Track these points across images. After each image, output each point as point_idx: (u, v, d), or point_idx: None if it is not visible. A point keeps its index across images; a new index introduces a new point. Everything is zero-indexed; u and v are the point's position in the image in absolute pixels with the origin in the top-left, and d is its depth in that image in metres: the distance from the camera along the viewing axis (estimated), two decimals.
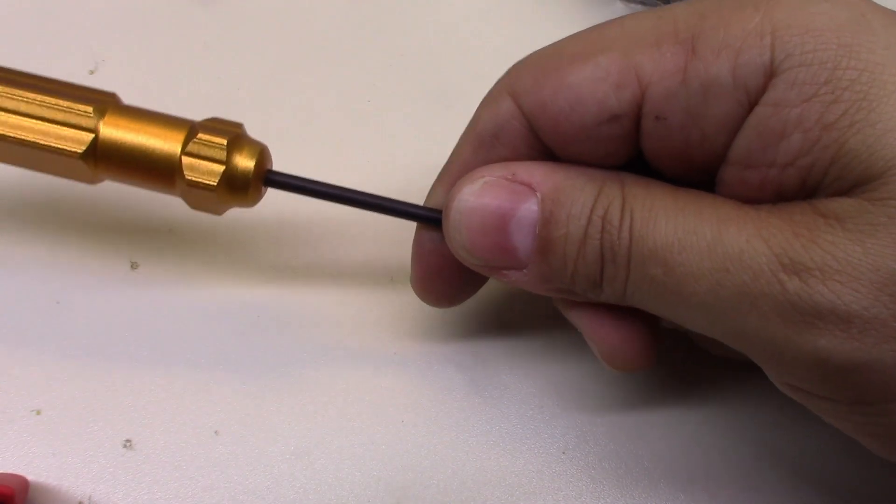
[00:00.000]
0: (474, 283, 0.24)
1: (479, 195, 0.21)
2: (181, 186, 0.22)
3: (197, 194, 0.22)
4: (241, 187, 0.22)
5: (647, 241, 0.19)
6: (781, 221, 0.18)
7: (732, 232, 0.18)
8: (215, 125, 0.22)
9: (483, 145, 0.21)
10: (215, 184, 0.22)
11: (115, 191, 0.30)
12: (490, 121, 0.21)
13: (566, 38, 0.21)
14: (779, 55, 0.18)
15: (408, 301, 0.27)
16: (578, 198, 0.20)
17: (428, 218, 0.23)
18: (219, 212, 0.23)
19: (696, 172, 0.20)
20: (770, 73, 0.18)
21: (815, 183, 0.18)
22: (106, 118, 0.22)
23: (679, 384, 0.26)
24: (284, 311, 0.27)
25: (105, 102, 0.22)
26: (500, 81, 0.21)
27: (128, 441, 0.25)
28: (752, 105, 0.18)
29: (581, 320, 0.22)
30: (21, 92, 0.22)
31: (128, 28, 0.31)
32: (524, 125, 0.21)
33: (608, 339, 0.22)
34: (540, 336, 0.27)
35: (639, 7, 0.34)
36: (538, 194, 0.20)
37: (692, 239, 0.18)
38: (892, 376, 0.17)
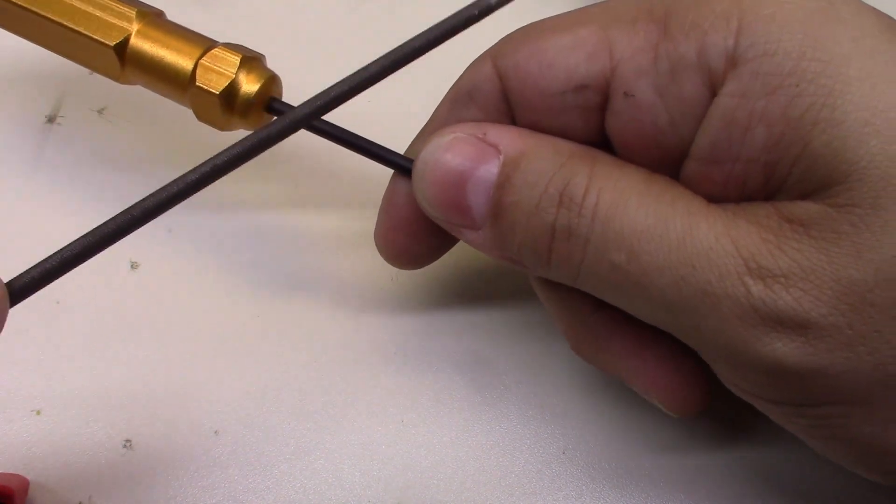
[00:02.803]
0: (437, 246, 0.24)
1: (444, 149, 0.21)
2: (191, 91, 0.24)
3: (203, 100, 0.24)
4: (244, 103, 0.24)
5: (613, 223, 0.18)
6: (748, 224, 0.18)
7: (703, 228, 0.18)
8: (236, 46, 0.24)
9: (458, 103, 0.22)
10: (219, 91, 0.23)
11: (114, 190, 0.30)
12: (468, 80, 0.21)
13: (556, 14, 0.21)
14: (743, 42, 0.17)
15: (409, 300, 0.27)
16: (539, 166, 0.19)
17: (402, 166, 0.22)
18: (221, 125, 0.24)
19: (662, 164, 0.19)
20: (733, 60, 0.18)
21: (779, 182, 0.18)
22: (144, 21, 0.24)
23: None
24: (284, 311, 0.27)
25: (149, 13, 0.25)
26: (488, 49, 0.21)
27: (127, 441, 0.25)
28: (714, 90, 0.18)
29: (635, 375, 0.22)
30: None
31: None
32: (498, 88, 0.21)
33: (670, 389, 0.21)
34: (540, 336, 0.27)
35: None
36: (501, 156, 0.20)
37: (662, 229, 0.18)
38: (840, 382, 0.17)
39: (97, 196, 0.29)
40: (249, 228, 0.29)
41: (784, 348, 0.17)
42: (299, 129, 0.20)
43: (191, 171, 0.19)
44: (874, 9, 0.18)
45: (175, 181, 0.19)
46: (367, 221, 0.29)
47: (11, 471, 0.24)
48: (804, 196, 0.18)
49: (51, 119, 0.32)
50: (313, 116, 0.20)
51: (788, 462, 0.25)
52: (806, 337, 0.17)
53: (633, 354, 0.22)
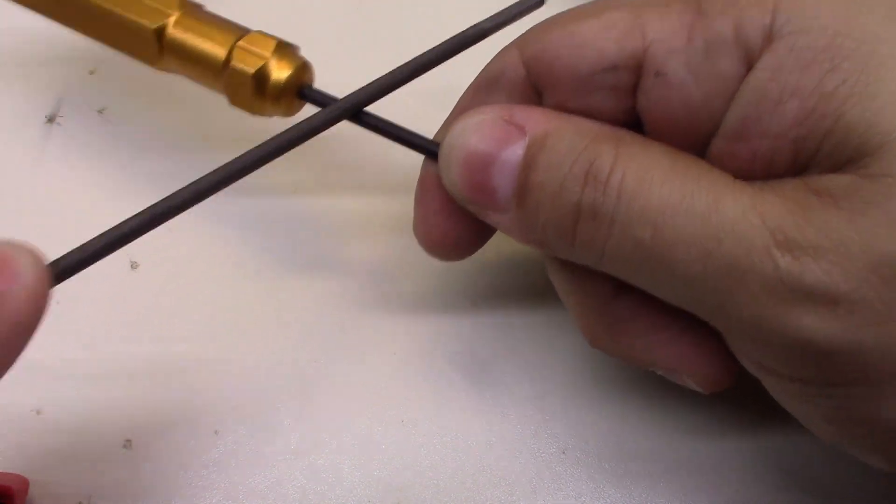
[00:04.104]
0: (479, 230, 0.23)
1: (471, 131, 0.20)
2: (225, 73, 0.24)
3: (236, 81, 0.24)
4: (276, 88, 0.24)
5: (638, 200, 0.18)
6: (776, 197, 0.18)
7: (728, 202, 0.18)
8: (272, 35, 0.24)
9: (481, 89, 0.22)
10: (252, 72, 0.23)
11: (115, 190, 0.30)
12: (493, 67, 0.22)
13: (584, 3, 0.21)
14: (780, 18, 0.18)
15: (408, 300, 0.27)
16: (563, 146, 0.19)
17: (429, 150, 0.22)
18: (253, 109, 0.24)
19: (691, 144, 0.19)
20: (770, 36, 0.18)
21: (807, 158, 0.18)
22: (184, 9, 0.25)
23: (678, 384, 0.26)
24: (283, 310, 0.27)
25: (187, 2, 0.25)
26: (514, 39, 0.22)
27: (128, 441, 0.25)
28: (750, 66, 0.18)
29: (660, 356, 0.21)
30: None
31: None
32: (522, 75, 0.21)
33: (698, 365, 0.21)
34: (540, 336, 0.27)
35: None
36: (527, 138, 0.20)
37: (688, 203, 0.18)
38: (869, 359, 0.17)
39: (98, 195, 0.30)
40: (249, 230, 0.29)
41: (812, 323, 0.17)
42: (342, 119, 0.21)
43: (236, 159, 0.20)
44: None
45: (231, 162, 0.20)
46: (364, 220, 0.29)
47: (11, 471, 0.24)
48: (834, 170, 0.17)
49: (51, 119, 0.32)
50: (355, 109, 0.21)
51: (790, 462, 0.25)
52: (836, 312, 0.17)
53: (657, 335, 0.21)
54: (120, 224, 0.19)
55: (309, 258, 0.28)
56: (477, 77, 0.22)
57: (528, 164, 0.20)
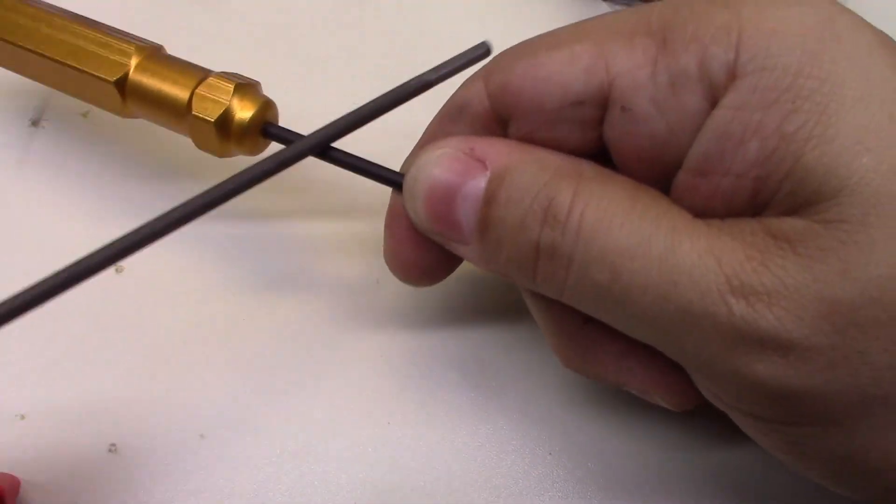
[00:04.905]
0: (447, 258, 0.23)
1: (433, 165, 0.21)
2: (189, 120, 0.24)
3: (199, 129, 0.24)
4: (239, 129, 0.24)
5: (597, 241, 0.18)
6: (733, 241, 0.18)
7: (685, 246, 0.18)
8: (230, 75, 0.25)
9: (447, 118, 0.22)
10: (213, 119, 0.24)
11: (99, 194, 0.30)
12: (459, 97, 0.22)
13: (550, 31, 0.21)
14: (743, 55, 0.17)
15: (393, 304, 0.27)
16: (524, 182, 0.19)
17: (395, 182, 0.22)
18: (219, 152, 0.25)
19: (656, 176, 0.19)
20: (733, 73, 0.18)
21: (767, 197, 0.18)
22: (142, 58, 0.25)
23: None
24: (270, 315, 0.27)
25: (145, 48, 0.26)
26: (481, 68, 0.22)
27: (113, 445, 0.25)
28: (714, 103, 0.18)
29: (630, 379, 0.22)
30: (80, 27, 0.26)
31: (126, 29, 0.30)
32: (486, 106, 0.21)
33: (667, 387, 0.21)
34: (527, 339, 0.27)
35: (623, 7, 0.34)
36: (488, 172, 0.20)
37: (646, 247, 0.18)
38: (820, 403, 0.17)
39: (82, 199, 0.29)
40: (235, 233, 0.29)
41: (765, 369, 0.17)
42: (308, 156, 0.22)
43: (195, 198, 0.20)
44: (870, 25, 0.18)
45: (178, 207, 0.20)
46: (354, 227, 0.29)
47: None
48: (792, 212, 0.17)
49: (35, 122, 0.32)
50: (321, 146, 0.22)
51: (771, 470, 0.25)
52: (787, 358, 0.17)
53: (625, 361, 0.21)
54: (70, 264, 0.19)
55: (294, 264, 0.28)
56: (444, 106, 0.22)
57: (488, 198, 0.20)
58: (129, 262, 0.28)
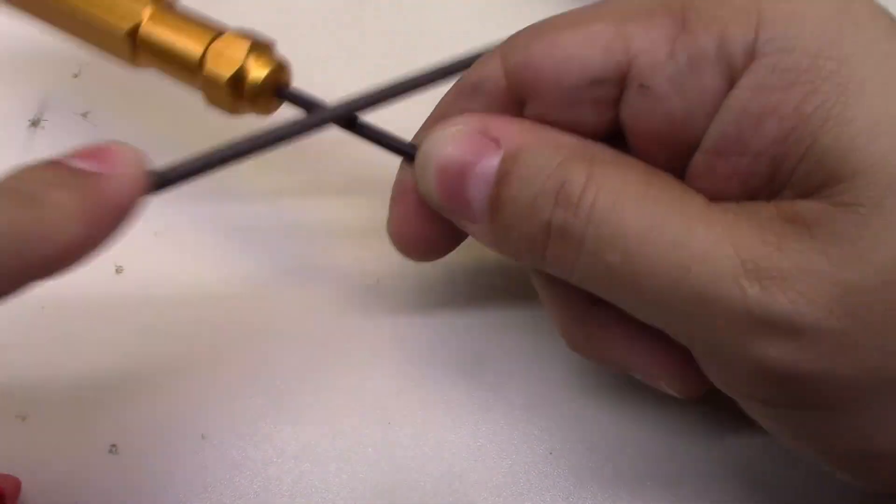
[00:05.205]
0: (451, 234, 0.23)
1: (447, 141, 0.21)
2: (201, 76, 0.24)
3: (212, 85, 0.24)
4: (252, 89, 0.24)
5: (608, 224, 0.18)
6: (750, 226, 0.18)
7: (700, 231, 0.18)
8: (246, 32, 0.24)
9: (463, 95, 0.22)
10: (227, 76, 0.23)
11: None
12: (475, 73, 0.21)
13: (567, 11, 0.21)
14: (763, 36, 0.18)
15: (394, 303, 0.27)
16: (537, 162, 0.19)
17: (407, 153, 0.22)
18: (231, 109, 0.24)
19: (673, 158, 0.19)
20: (752, 53, 0.18)
21: (784, 178, 0.18)
22: (156, 7, 0.25)
23: None
24: (270, 315, 0.27)
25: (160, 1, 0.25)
26: (498, 45, 0.22)
27: (113, 446, 0.25)
28: (732, 83, 0.18)
29: (637, 363, 0.22)
30: None
31: None
32: (503, 84, 0.21)
33: (674, 373, 0.21)
34: (527, 338, 0.27)
35: None
36: (501, 151, 0.20)
37: (658, 231, 0.18)
38: (829, 387, 0.17)
39: None
40: (235, 233, 0.29)
41: (775, 353, 0.17)
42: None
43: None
44: (888, 12, 0.18)
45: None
46: (354, 227, 0.29)
47: None
48: (808, 194, 0.17)
49: (35, 122, 0.32)
50: (348, 114, 0.22)
51: (776, 462, 0.25)
52: (799, 342, 0.17)
53: (633, 344, 0.21)
54: (213, 151, 0.21)
55: (294, 263, 0.28)
56: (459, 80, 0.22)
57: (501, 178, 0.20)
58: (128, 263, 0.28)
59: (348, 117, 0.23)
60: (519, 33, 0.21)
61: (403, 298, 0.27)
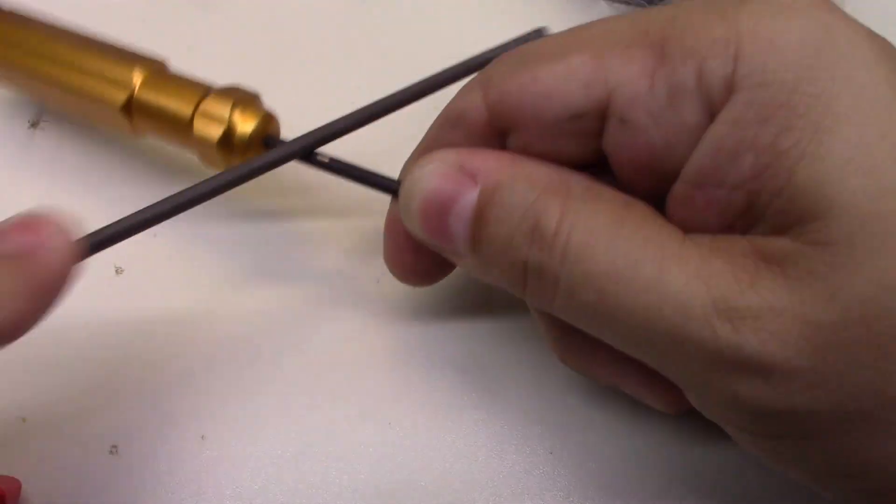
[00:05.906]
0: (444, 265, 0.24)
1: (427, 178, 0.21)
2: (193, 141, 0.25)
3: (204, 148, 0.25)
4: (242, 144, 0.25)
5: (582, 264, 0.18)
6: (723, 263, 0.18)
7: (673, 270, 0.18)
8: (230, 90, 0.25)
9: (447, 126, 0.22)
10: (216, 139, 0.24)
11: (99, 193, 0.30)
12: (457, 106, 0.22)
13: (544, 38, 0.21)
14: (741, 69, 0.17)
15: (393, 304, 0.27)
16: (512, 200, 0.20)
17: (393, 191, 0.23)
18: (224, 165, 0.25)
19: (655, 186, 0.20)
20: (731, 87, 0.18)
21: (759, 212, 0.18)
22: (144, 80, 0.26)
23: None
24: (270, 314, 0.27)
25: (149, 67, 0.26)
26: (478, 74, 0.22)
27: (114, 447, 0.25)
28: (712, 116, 0.18)
29: (624, 381, 0.22)
30: (83, 52, 0.27)
31: (124, 31, 0.30)
32: (484, 117, 0.21)
33: (660, 391, 0.22)
34: (527, 338, 0.27)
35: (623, 7, 0.34)
36: (478, 187, 0.20)
37: (632, 271, 0.18)
38: (799, 420, 0.17)
39: (82, 199, 0.29)
40: (235, 233, 0.29)
41: (747, 391, 0.17)
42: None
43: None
44: (871, 35, 0.18)
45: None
46: (353, 227, 0.29)
47: None
48: (782, 230, 0.17)
49: (35, 123, 0.32)
50: (303, 153, 0.23)
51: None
52: (769, 380, 0.17)
53: (618, 365, 0.22)
54: (144, 209, 0.21)
55: (294, 264, 0.28)
56: (442, 112, 0.22)
57: (478, 215, 0.20)
58: (128, 263, 0.28)
59: (305, 154, 0.23)
60: (499, 63, 0.21)
61: (404, 299, 0.27)
